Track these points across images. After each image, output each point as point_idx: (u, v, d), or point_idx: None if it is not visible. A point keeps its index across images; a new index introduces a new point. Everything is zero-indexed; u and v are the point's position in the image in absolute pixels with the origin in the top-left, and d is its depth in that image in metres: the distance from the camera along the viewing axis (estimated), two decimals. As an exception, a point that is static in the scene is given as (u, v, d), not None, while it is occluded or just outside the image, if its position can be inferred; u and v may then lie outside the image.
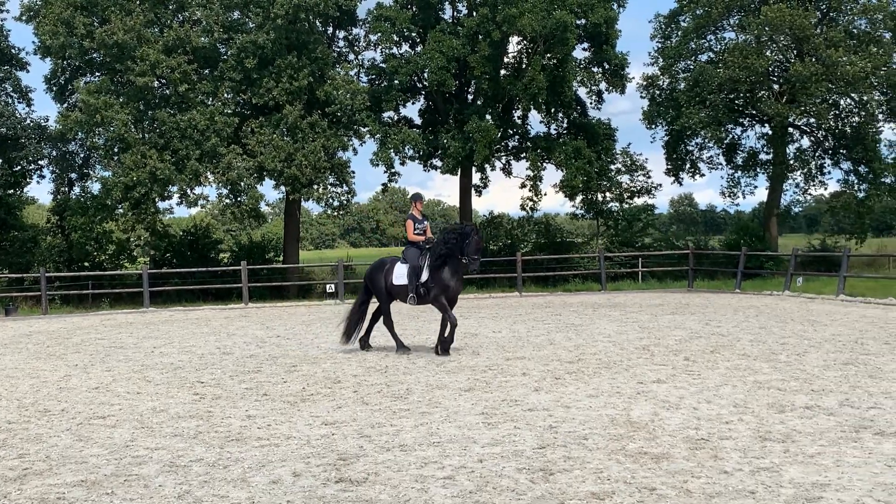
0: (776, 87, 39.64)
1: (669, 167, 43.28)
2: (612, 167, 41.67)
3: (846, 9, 38.48)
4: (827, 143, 41.41)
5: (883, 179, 39.72)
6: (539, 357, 14.87)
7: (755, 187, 44.46)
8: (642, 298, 28.88)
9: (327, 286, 33.04)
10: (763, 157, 42.45)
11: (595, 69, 40.91)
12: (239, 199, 35.14)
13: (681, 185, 45.11)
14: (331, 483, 7.41)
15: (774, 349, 15.06)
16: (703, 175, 44.90)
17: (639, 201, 42.74)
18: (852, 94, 38.24)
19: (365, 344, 16.63)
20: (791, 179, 42.17)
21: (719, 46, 41.17)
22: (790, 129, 40.88)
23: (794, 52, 38.56)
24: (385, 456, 8.23)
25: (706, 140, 41.61)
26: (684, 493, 6.77)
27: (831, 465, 7.49)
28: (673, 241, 41.57)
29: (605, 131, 40.88)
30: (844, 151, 40.43)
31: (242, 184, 34.02)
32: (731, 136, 42.31)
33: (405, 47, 40.02)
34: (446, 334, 15.41)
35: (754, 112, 40.64)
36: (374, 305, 16.94)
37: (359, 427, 9.56)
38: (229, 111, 34.69)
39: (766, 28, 36.86)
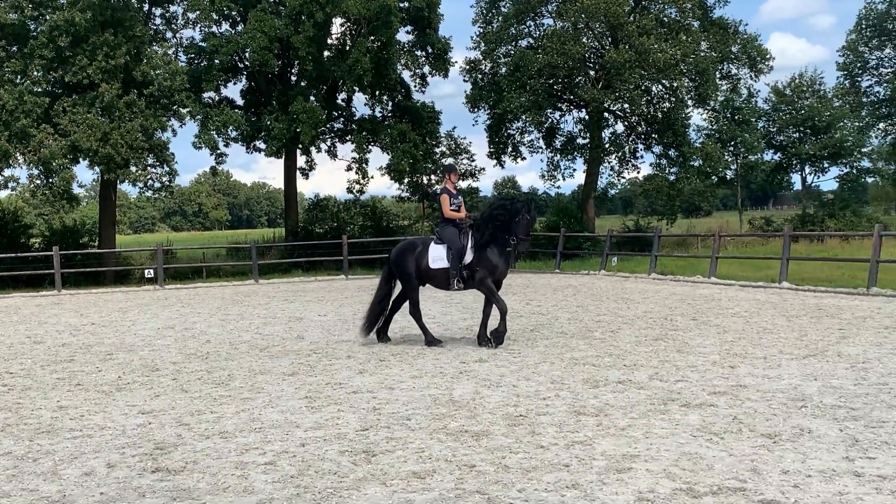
0: (592, 73, 40.95)
1: (492, 150, 44.11)
2: (437, 150, 42.12)
3: (658, -2, 40.09)
4: (640, 128, 43.09)
5: (692, 163, 41.67)
6: (365, 340, 14.87)
7: (574, 170, 45.95)
8: (466, 279, 29.28)
9: (146, 271, 32.07)
10: (581, 141, 43.86)
11: (419, 52, 41.17)
12: (50, 180, 33.59)
13: (503, 167, 46.30)
14: (147, 473, 7.20)
15: (590, 327, 15.60)
16: (524, 158, 46.25)
17: (463, 184, 43.36)
18: (663, 81, 39.92)
19: (384, 336, 14.61)
20: (607, 163, 43.72)
21: (538, 32, 42.16)
22: (606, 115, 42.30)
23: (609, 39, 39.91)
24: (204, 444, 8.06)
25: (527, 124, 42.62)
26: (502, 469, 6.92)
27: (641, 436, 7.81)
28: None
29: (430, 114, 41.23)
30: (656, 136, 42.17)
31: (54, 164, 32.48)
32: (550, 120, 43.47)
33: (225, 26, 39.15)
34: (498, 325, 13.61)
35: (572, 97, 41.84)
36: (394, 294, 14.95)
37: (177, 415, 9.33)
38: (40, 90, 33.03)
39: (583, 15, 37.98)
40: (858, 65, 52.44)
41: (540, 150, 44.71)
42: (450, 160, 40.61)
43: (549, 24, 41.94)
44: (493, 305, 13.72)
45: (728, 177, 50.15)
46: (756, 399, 9.14)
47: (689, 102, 41.45)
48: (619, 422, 8.36)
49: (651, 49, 37.00)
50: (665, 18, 40.18)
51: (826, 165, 52.41)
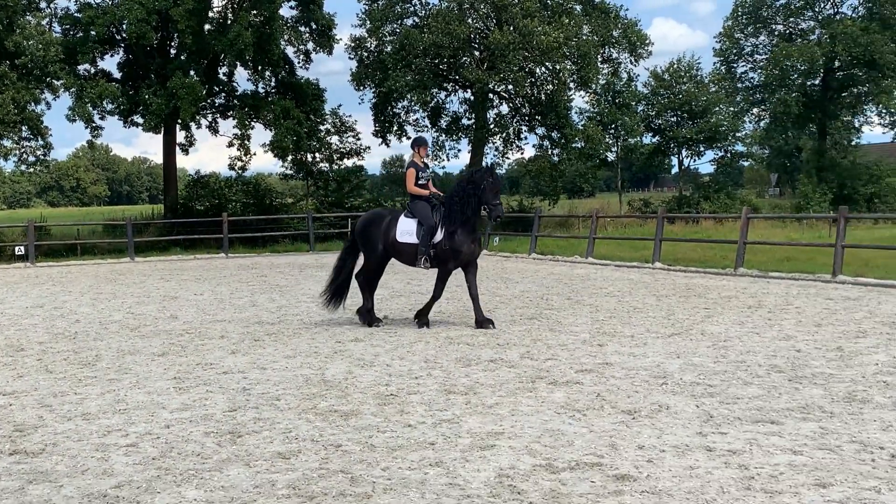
0: (477, 53, 41.15)
1: (377, 129, 44.00)
2: (322, 128, 41.84)
3: (541, -20, 40.47)
4: (524, 110, 43.54)
5: (574, 145, 42.34)
6: (240, 319, 14.74)
7: (459, 150, 46.12)
8: (349, 258, 29.23)
9: (16, 248, 30.99)
10: (466, 121, 44.10)
11: (303, 28, 40.75)
12: (-85, 155, 32.20)
13: (388, 146, 46.11)
14: (4, 455, 6.99)
15: (468, 306, 15.60)
16: (409, 137, 46.07)
17: (349, 162, 43.26)
18: (546, 63, 40.35)
19: (373, 318, 13.75)
20: (491, 143, 44.06)
21: (424, 11, 42.17)
22: (490, 95, 42.61)
23: (494, 20, 40.14)
24: (66, 426, 7.87)
25: (412, 103, 42.61)
26: (368, 448, 6.96)
27: (507, 414, 7.94)
28: (381, 202, 42.36)
29: (314, 91, 40.91)
30: (539, 118, 42.67)
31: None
32: (435, 100, 43.53)
33: (102, -4, 37.94)
34: (422, 307, 13.57)
35: (457, 77, 42.01)
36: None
37: (40, 396, 9.08)
38: None
39: (468, -5, 38.14)
40: (734, 51, 54.01)
41: (425, 130, 44.85)
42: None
43: (434, 4, 42.04)
44: (444, 286, 13.41)
45: (609, 159, 51.22)
46: (620, 376, 9.40)
47: (572, 85, 42.05)
48: (487, 400, 8.48)
49: (534, 31, 37.39)
50: (548, 1, 40.62)
51: (702, 149, 53.94)
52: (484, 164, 41.57)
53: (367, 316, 13.74)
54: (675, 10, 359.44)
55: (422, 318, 13.41)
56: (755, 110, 55.12)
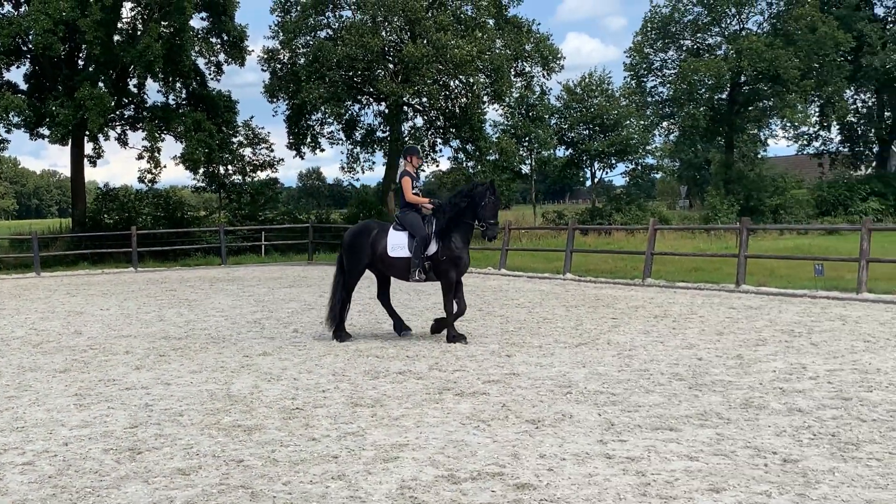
0: (391, 66, 41.24)
1: (291, 141, 43.80)
2: (234, 140, 41.48)
3: (455, -6, 40.82)
4: (439, 122, 43.78)
5: (488, 157, 42.69)
6: (146, 334, 14.49)
7: (373, 163, 46.18)
8: (262, 272, 29.04)
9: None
10: (380, 134, 44.17)
11: (214, 40, 40.36)
12: None
13: (303, 159, 45.94)
14: None
15: (379, 318, 15.72)
16: (323, 150, 46.16)
17: (263, 174, 42.95)
18: (460, 76, 40.65)
19: (344, 334, 13.42)
20: (406, 156, 44.08)
21: (338, 24, 42.14)
22: (405, 108, 42.73)
23: (408, 33, 40.30)
24: (-42, 446, 7.66)
25: (326, 115, 42.51)
26: (270, 463, 6.91)
27: (412, 425, 7.95)
28: (296, 215, 42.16)
29: (226, 103, 40.54)
30: (454, 130, 42.93)
31: None
32: (350, 112, 43.53)
33: (8, 7, 37.05)
34: (451, 320, 12.99)
35: (371, 90, 42.05)
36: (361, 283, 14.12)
37: (-68, 417, 8.82)
38: None
39: (381, 8, 38.23)
40: (644, 66, 55.01)
41: (340, 142, 44.80)
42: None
43: (347, 17, 42.06)
44: (456, 304, 13.05)
45: (523, 171, 51.72)
46: (526, 386, 9.49)
47: (485, 98, 42.41)
48: (393, 412, 8.49)
49: (448, 45, 37.68)
50: (462, 15, 40.94)
51: (614, 162, 54.86)
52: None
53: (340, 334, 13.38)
54: (588, 25, 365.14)
55: (451, 332, 12.88)
56: (665, 124, 56.19)
